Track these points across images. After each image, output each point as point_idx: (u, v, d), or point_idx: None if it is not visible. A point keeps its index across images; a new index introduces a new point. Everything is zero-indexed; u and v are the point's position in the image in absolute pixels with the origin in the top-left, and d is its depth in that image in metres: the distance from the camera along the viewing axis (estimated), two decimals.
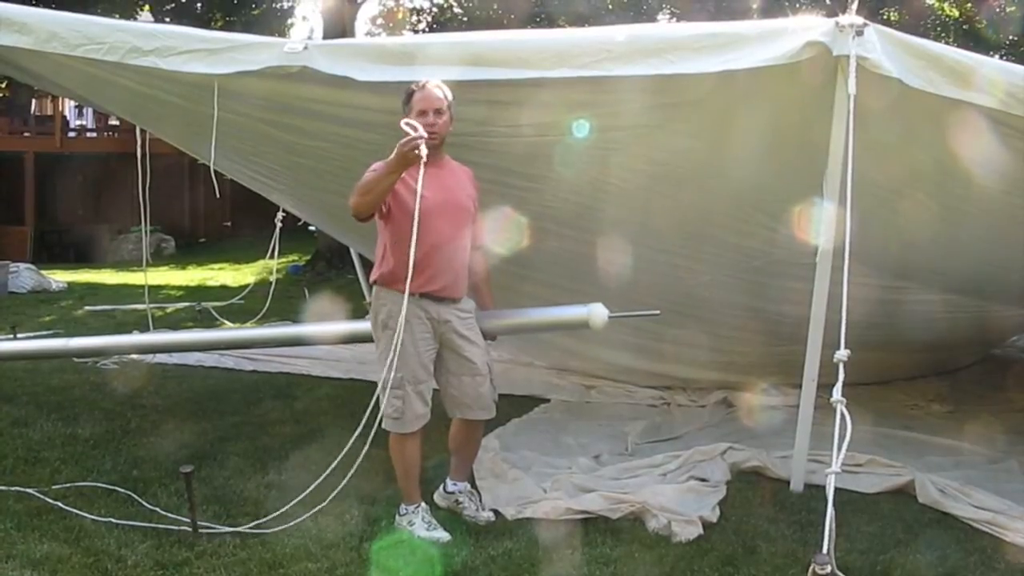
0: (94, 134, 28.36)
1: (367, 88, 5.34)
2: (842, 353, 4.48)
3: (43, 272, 16.16)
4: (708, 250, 7.00)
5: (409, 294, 4.83)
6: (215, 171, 5.67)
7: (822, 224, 5.34)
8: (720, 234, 6.85)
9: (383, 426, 4.96)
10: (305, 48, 5.34)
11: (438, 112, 4.91)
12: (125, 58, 5.51)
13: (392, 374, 4.87)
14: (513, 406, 7.61)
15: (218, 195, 5.75)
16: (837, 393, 4.39)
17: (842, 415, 4.36)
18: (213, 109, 5.52)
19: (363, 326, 5.85)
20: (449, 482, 5.39)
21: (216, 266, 21.65)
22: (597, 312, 5.33)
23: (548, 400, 8.00)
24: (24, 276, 15.40)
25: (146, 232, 8.43)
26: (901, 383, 8.69)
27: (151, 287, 16.73)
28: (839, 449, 4.27)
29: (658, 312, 5.39)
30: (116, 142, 25.71)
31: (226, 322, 11.11)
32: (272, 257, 10.28)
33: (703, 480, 5.81)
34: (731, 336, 8.04)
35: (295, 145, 6.52)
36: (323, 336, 7.45)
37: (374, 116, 5.75)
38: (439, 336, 5.06)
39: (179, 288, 16.88)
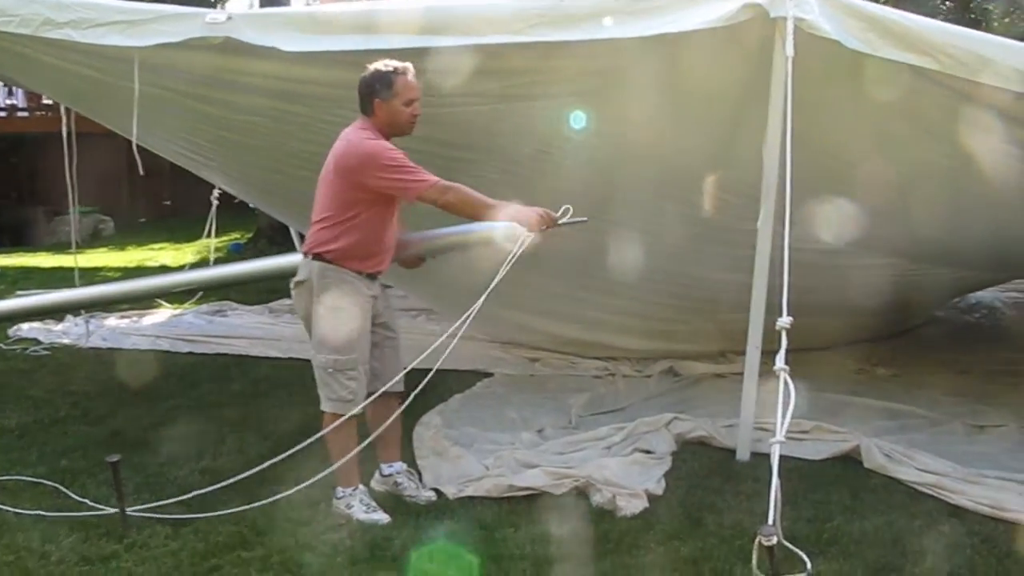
0: (26, 114, 27.75)
1: (296, 59, 5.19)
2: (784, 320, 4.37)
3: None
4: (650, 219, 6.88)
5: (359, 273, 4.81)
6: (138, 148, 5.48)
7: (762, 191, 5.27)
8: (662, 203, 6.74)
9: (330, 409, 4.86)
10: (229, 18, 5.17)
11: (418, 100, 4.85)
12: (39, 31, 5.31)
13: (348, 355, 4.81)
14: (456, 381, 7.50)
15: (142, 172, 5.54)
16: (780, 361, 4.28)
17: (785, 383, 4.25)
18: (134, 84, 5.32)
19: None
20: (384, 465, 5.25)
21: (156, 246, 21.21)
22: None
23: (491, 374, 7.86)
24: None
25: (74, 213, 8.22)
26: (845, 348, 8.64)
27: (88, 270, 16.55)
28: (783, 418, 4.16)
29: (586, 219, 5.09)
30: (50, 121, 24.98)
31: (164, 303, 10.86)
32: (209, 236, 10.12)
33: (648, 452, 5.72)
34: (675, 305, 7.93)
35: (224, 120, 6.34)
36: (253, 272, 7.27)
37: (305, 88, 5.60)
38: (375, 310, 4.98)
39: (117, 270, 16.49)
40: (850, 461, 5.76)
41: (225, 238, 17.87)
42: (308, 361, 5.07)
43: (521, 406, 6.87)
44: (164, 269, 15.65)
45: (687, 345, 8.22)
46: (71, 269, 16.12)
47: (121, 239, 23.59)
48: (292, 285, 4.97)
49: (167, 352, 8.67)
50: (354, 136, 4.77)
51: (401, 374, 5.05)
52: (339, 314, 4.79)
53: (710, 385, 7.53)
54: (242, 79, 5.65)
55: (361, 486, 4.97)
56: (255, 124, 6.19)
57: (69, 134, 8.15)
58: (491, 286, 4.87)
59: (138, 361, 8.36)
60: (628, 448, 5.77)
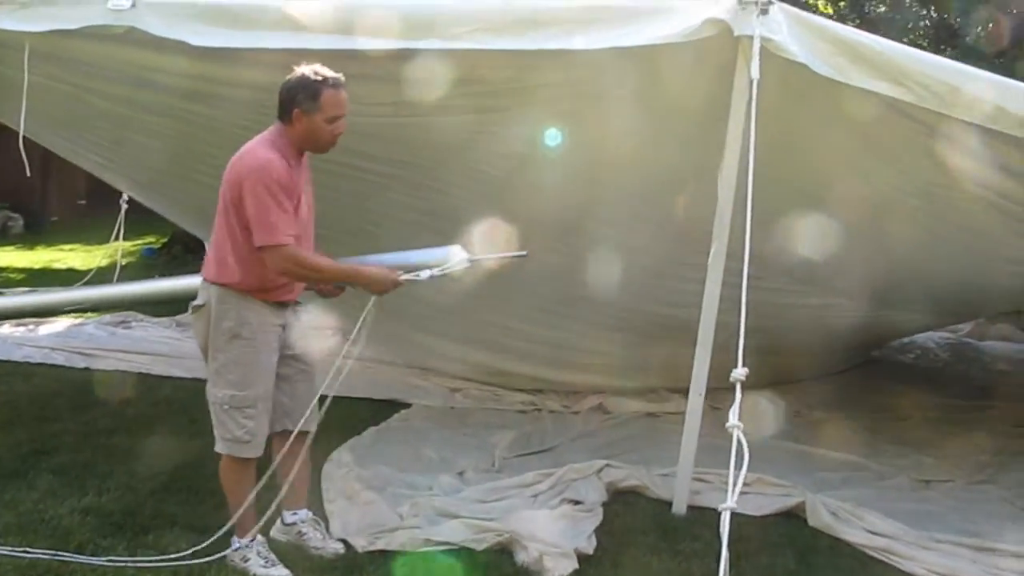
0: None
1: (207, 55, 4.71)
2: (739, 372, 3.95)
3: None
4: (586, 246, 6.42)
5: (265, 302, 4.31)
6: (23, 142, 4.95)
7: (716, 223, 4.85)
8: (602, 229, 6.30)
9: (224, 450, 4.34)
10: (133, 6, 4.66)
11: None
12: None
13: (245, 391, 4.28)
14: (371, 411, 7.03)
15: (28, 173, 4.98)
16: (733, 416, 3.85)
17: (739, 442, 3.82)
18: (24, 73, 4.78)
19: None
20: (286, 513, 4.70)
21: (67, 247, 20.38)
22: (455, 254, 4.55)
23: (409, 405, 7.34)
24: None
25: None
26: (781, 387, 8.26)
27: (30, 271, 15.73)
28: (735, 482, 3.73)
29: (525, 253, 4.75)
30: None
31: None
32: (117, 239, 9.48)
33: (577, 503, 5.26)
34: (606, 336, 7.49)
35: (126, 119, 5.78)
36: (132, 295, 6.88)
37: (218, 88, 5.08)
38: (283, 342, 4.45)
39: (21, 271, 15.72)
40: (794, 518, 5.37)
41: (139, 241, 17.22)
42: None
43: (440, 444, 6.37)
44: (71, 272, 14.92)
45: (618, 380, 7.78)
46: (15, 269, 15.51)
47: (31, 238, 22.67)
48: (190, 308, 4.43)
49: (61, 367, 7.98)
50: (251, 144, 4.23)
51: (308, 410, 4.54)
52: (238, 345, 4.26)
53: (642, 425, 7.11)
54: (146, 74, 5.13)
55: (260, 537, 4.44)
56: (161, 125, 5.63)
57: None
58: (359, 323, 4.48)
59: (28, 376, 7.67)
60: (556, 498, 5.30)
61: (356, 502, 5.17)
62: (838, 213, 5.62)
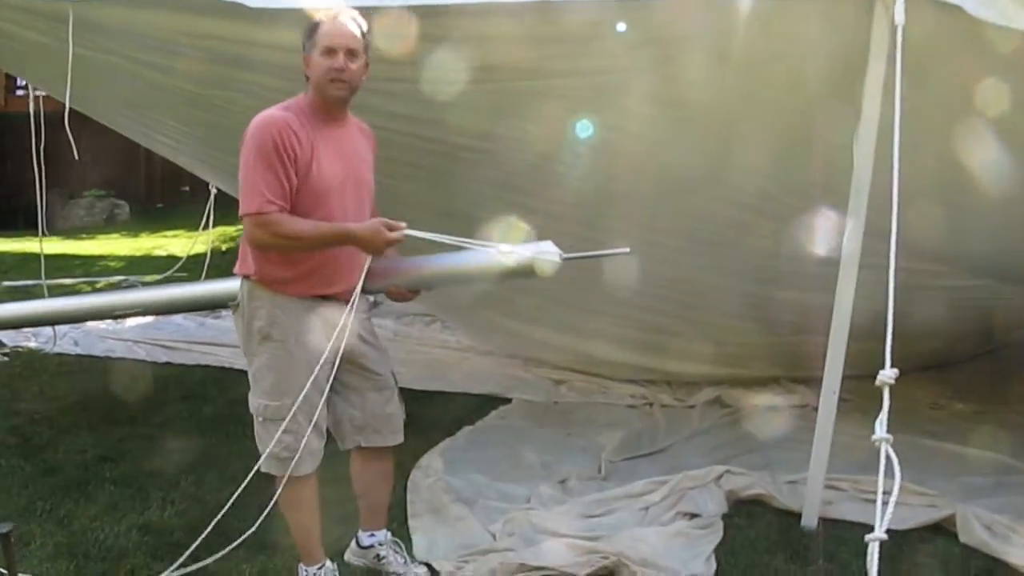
0: (43, 92, 26.88)
1: (269, 19, 4.13)
2: (888, 374, 3.31)
3: None
4: (703, 227, 5.76)
5: (301, 297, 3.68)
6: (69, 123, 4.50)
7: (852, 196, 4.18)
8: (721, 209, 5.62)
9: (265, 468, 3.77)
10: None
11: (351, 54, 3.61)
12: None
13: (280, 401, 3.68)
14: (467, 408, 6.48)
15: (76, 155, 4.51)
16: (881, 427, 3.22)
17: (888, 458, 3.20)
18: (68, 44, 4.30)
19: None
20: (363, 534, 4.14)
21: (170, 233, 20.25)
22: (545, 252, 3.75)
23: (509, 400, 6.77)
24: None
25: (42, 198, 7.14)
26: (913, 375, 7.49)
27: (91, 257, 15.58)
28: (885, 507, 3.11)
29: (627, 250, 3.93)
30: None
31: None
32: (206, 228, 9.14)
33: (694, 516, 4.64)
34: (723, 324, 6.80)
35: (191, 95, 5.26)
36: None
37: (283, 57, 4.50)
38: (335, 347, 3.76)
39: (121, 259, 15.53)
40: (943, 533, 4.66)
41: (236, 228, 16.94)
42: None
43: (542, 445, 5.77)
44: (170, 259, 14.65)
45: (736, 369, 7.10)
46: (74, 256, 15.35)
47: (135, 224, 22.70)
48: (231, 306, 3.91)
49: (142, 362, 7.60)
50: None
51: (386, 423, 3.98)
52: (269, 348, 3.70)
53: (765, 421, 6.39)
54: (209, 44, 4.59)
55: (328, 563, 3.90)
56: (229, 100, 5.06)
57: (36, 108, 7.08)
58: None
59: (105, 372, 7.30)
60: (670, 511, 4.68)
61: (444, 517, 4.62)
62: (989, 187, 4.88)
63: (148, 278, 11.80)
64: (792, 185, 5.21)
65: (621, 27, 4.13)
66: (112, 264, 14.76)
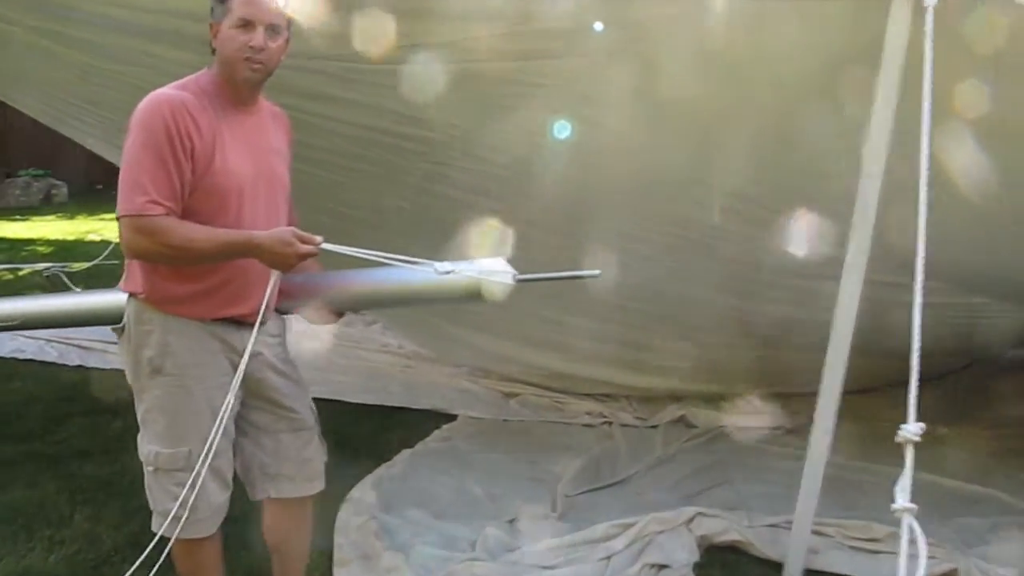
0: None
1: None
2: (912, 429, 2.75)
3: None
4: (681, 233, 5.17)
5: (201, 320, 3.03)
6: None
7: (858, 205, 3.59)
8: (700, 214, 5.02)
9: (155, 528, 3.11)
10: None
11: (272, 30, 2.97)
12: None
13: (175, 448, 3.03)
14: (407, 427, 5.84)
15: None
16: (903, 496, 2.67)
17: (911, 531, 2.65)
18: None
19: None
20: None
21: (108, 216, 19.44)
22: (494, 272, 3.04)
23: (454, 418, 6.15)
24: None
25: None
26: (888, 391, 6.94)
27: (19, 240, 14.75)
28: None
29: (598, 273, 3.32)
30: None
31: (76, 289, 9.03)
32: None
33: (662, 568, 4.05)
34: (687, 336, 6.20)
35: (91, 69, 4.57)
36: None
37: (192, 26, 3.85)
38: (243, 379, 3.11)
39: (52, 243, 14.73)
40: None
41: None
42: None
43: (489, 474, 5.16)
44: (103, 245, 13.85)
45: (700, 384, 6.53)
46: (11, 240, 14.52)
47: (73, 206, 21.89)
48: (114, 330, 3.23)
49: (51, 365, 6.88)
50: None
51: (301, 469, 3.32)
52: (161, 384, 3.04)
53: (734, 445, 5.84)
54: (108, 10, 3.93)
55: None
56: (131, 76, 4.36)
57: None
58: None
59: (8, 378, 6.57)
60: (635, 563, 4.07)
61: (375, 567, 3.99)
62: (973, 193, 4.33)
63: (76, 266, 11.03)
64: (773, 189, 4.64)
65: (598, 27, 3.59)
66: (41, 249, 13.99)
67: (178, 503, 3.00)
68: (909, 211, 4.51)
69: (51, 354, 7.07)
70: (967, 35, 3.17)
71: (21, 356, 7.03)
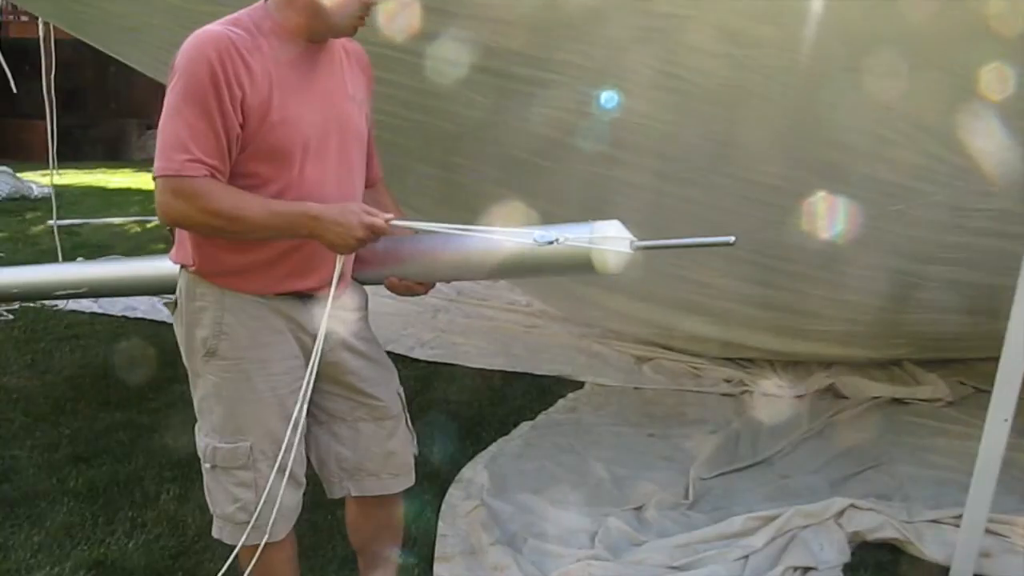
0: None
1: None
2: None
3: (21, 175, 13.94)
4: (815, 181, 4.57)
5: (262, 295, 2.59)
6: None
7: None
8: (838, 157, 4.43)
9: (215, 533, 2.72)
10: None
11: None
12: None
13: (235, 443, 2.61)
14: (528, 395, 5.43)
15: (14, 89, 3.50)
16: None
17: None
18: None
19: None
20: None
21: None
22: (608, 238, 2.51)
23: (581, 385, 5.68)
24: None
25: (53, 129, 6.17)
26: None
27: (124, 191, 14.61)
28: None
29: (732, 239, 2.68)
30: None
31: None
32: None
33: (807, 570, 3.53)
34: (835, 297, 5.59)
35: (183, 12, 4.16)
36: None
37: None
38: (315, 360, 2.66)
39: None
40: None
41: None
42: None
43: (616, 451, 4.68)
44: None
45: (851, 349, 5.92)
46: (135, 191, 14.48)
47: None
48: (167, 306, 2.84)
49: (163, 324, 6.57)
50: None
51: (388, 463, 2.88)
52: (216, 368, 2.62)
53: (890, 420, 5.21)
54: None
55: None
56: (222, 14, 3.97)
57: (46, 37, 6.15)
58: None
59: (115, 338, 6.30)
60: (776, 564, 3.56)
61: (481, 564, 3.55)
62: None
63: None
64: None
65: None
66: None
67: (237, 506, 2.60)
68: None
69: (164, 312, 6.79)
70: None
71: (132, 314, 6.78)
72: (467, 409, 5.09)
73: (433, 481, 4.11)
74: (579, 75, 3.88)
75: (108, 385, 5.33)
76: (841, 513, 3.86)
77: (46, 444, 4.53)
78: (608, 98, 3.79)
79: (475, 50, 3.70)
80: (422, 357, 6.04)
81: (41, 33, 6.25)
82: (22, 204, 12.74)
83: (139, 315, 6.76)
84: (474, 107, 4.13)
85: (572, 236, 2.48)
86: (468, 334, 6.52)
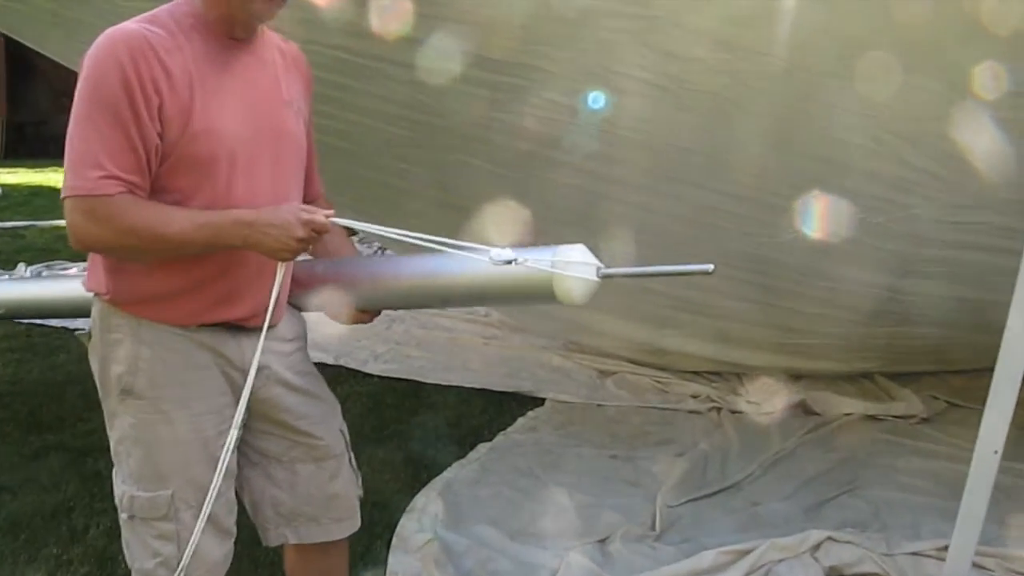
0: None
1: None
2: None
3: None
4: (785, 191, 4.35)
5: (183, 327, 2.32)
6: None
7: None
8: (812, 167, 4.21)
9: None
10: None
11: None
12: None
13: (153, 491, 2.34)
14: (486, 413, 5.18)
15: None
16: None
17: None
18: None
19: None
20: None
21: None
22: (571, 263, 2.25)
23: (542, 401, 5.43)
24: None
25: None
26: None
27: None
28: None
29: (710, 268, 2.43)
30: None
31: None
32: None
33: None
34: (806, 309, 5.36)
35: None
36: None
37: None
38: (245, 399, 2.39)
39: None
40: None
41: None
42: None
43: (578, 476, 4.44)
44: None
45: (820, 363, 5.71)
46: None
47: None
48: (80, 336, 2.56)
49: None
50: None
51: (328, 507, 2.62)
52: (133, 409, 2.34)
53: (864, 440, 5.01)
54: None
55: None
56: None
57: None
58: None
59: (55, 350, 6.00)
60: None
61: None
62: None
63: None
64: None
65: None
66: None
67: (157, 560, 2.33)
68: None
69: None
70: None
71: (72, 326, 6.45)
72: (421, 430, 4.84)
73: (383, 510, 3.86)
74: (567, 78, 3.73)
75: (41, 404, 5.02)
76: (818, 546, 3.63)
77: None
78: (595, 99, 3.62)
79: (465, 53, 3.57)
80: (375, 372, 5.79)
81: None
82: None
83: (80, 326, 6.43)
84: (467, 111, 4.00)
85: (532, 258, 2.23)
86: (424, 346, 6.27)
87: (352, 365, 5.82)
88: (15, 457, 4.40)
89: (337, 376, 5.56)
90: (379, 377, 5.73)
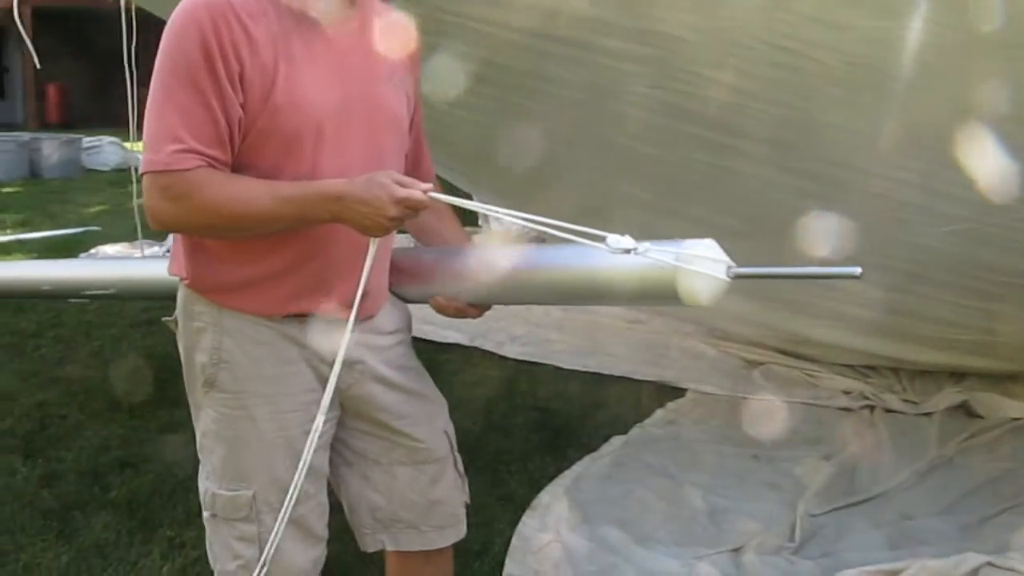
0: None
1: None
2: None
3: (130, 146, 13.86)
4: (949, 184, 4.00)
5: (268, 317, 2.15)
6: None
7: None
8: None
9: None
10: None
11: None
12: None
13: (236, 489, 2.20)
14: (623, 402, 4.95)
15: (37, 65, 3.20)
16: None
17: None
18: None
19: None
20: None
21: None
22: (699, 258, 1.96)
23: (683, 392, 5.19)
24: (107, 152, 13.22)
25: (134, 95, 5.83)
26: None
27: None
28: None
29: (858, 272, 2.15)
30: None
31: None
32: None
33: None
34: (964, 303, 4.97)
35: None
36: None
37: None
38: (337, 395, 2.23)
39: None
40: None
41: None
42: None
43: (715, 476, 4.20)
44: None
45: (985, 360, 5.31)
46: None
47: None
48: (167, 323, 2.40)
49: None
50: None
51: (429, 511, 2.44)
52: (216, 402, 2.20)
53: None
54: None
55: None
56: None
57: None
58: None
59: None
60: None
61: None
62: None
63: None
64: None
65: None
66: None
67: (238, 563, 2.20)
68: None
69: None
70: None
71: None
72: (554, 418, 4.66)
73: (507, 506, 3.69)
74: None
75: (173, 378, 4.98)
76: (975, 572, 3.32)
77: (95, 446, 4.23)
78: None
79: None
80: (511, 355, 5.63)
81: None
82: (128, 176, 12.58)
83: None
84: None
85: (656, 249, 1.99)
86: (563, 329, 6.08)
87: (487, 347, 5.68)
88: (143, 432, 4.38)
89: (469, 358, 5.42)
90: (515, 360, 5.56)
